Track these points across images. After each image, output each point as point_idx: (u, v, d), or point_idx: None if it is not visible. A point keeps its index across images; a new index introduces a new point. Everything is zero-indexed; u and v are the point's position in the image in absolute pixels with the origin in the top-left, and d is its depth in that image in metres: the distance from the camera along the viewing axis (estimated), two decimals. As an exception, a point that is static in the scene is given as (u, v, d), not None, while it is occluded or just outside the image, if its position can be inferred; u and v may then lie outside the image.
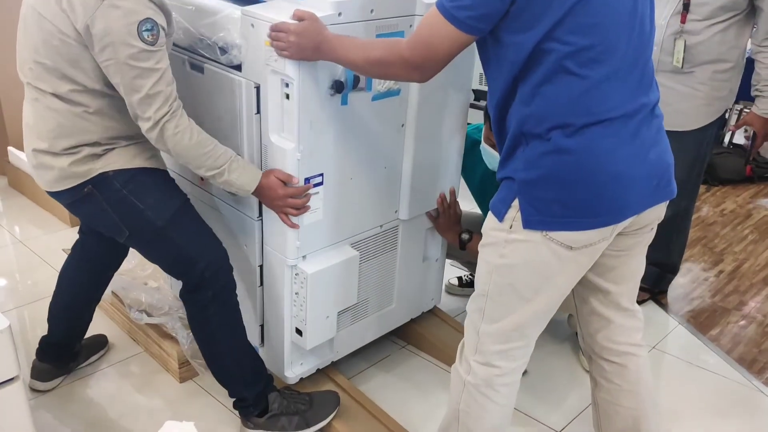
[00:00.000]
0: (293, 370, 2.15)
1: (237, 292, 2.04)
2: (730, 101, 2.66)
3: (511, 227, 1.52)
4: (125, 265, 2.36)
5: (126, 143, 1.83)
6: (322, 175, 1.91)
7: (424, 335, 2.52)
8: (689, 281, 3.22)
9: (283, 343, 2.10)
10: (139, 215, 1.83)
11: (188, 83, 2.02)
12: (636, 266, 1.72)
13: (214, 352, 2.01)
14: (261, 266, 2.08)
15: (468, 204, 2.60)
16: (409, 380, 2.41)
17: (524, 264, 1.53)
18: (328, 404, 2.10)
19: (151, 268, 2.54)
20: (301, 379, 2.19)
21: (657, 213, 1.61)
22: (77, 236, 2.22)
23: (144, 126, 1.71)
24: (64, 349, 2.27)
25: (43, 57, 1.71)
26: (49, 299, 2.23)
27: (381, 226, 2.17)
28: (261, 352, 2.19)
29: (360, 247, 2.12)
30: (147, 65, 1.64)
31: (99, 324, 2.36)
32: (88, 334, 2.33)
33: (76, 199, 1.85)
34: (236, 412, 2.10)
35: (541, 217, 1.48)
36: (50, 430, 2.10)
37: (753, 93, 2.59)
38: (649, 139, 1.50)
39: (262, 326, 2.18)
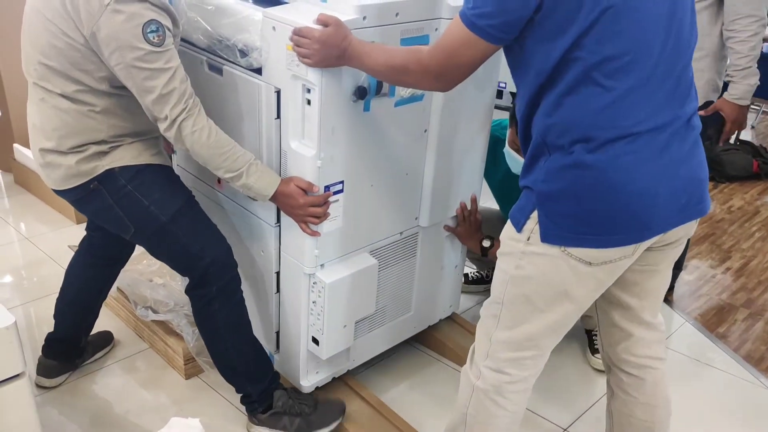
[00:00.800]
0: (309, 379, 2.12)
1: (252, 297, 2.02)
2: (710, 92, 2.57)
3: (528, 239, 1.48)
4: (131, 261, 2.36)
5: (131, 140, 1.83)
6: (342, 182, 1.87)
7: (444, 342, 2.48)
8: (696, 279, 3.21)
9: (298, 351, 2.07)
10: (144, 211, 1.83)
11: (206, 85, 1.99)
12: (661, 281, 1.67)
13: (219, 348, 2.01)
14: (278, 273, 2.05)
15: (485, 200, 2.57)
16: (427, 385, 2.38)
17: (540, 277, 1.49)
18: (333, 411, 2.07)
19: (157, 265, 2.54)
20: (317, 387, 2.16)
21: (687, 230, 1.55)
22: (84, 233, 2.22)
23: (162, 126, 1.71)
24: (70, 346, 2.27)
25: (48, 59, 1.71)
26: (56, 296, 2.23)
27: (401, 233, 2.13)
28: (276, 359, 2.18)
29: (379, 254, 2.08)
30: (156, 66, 1.64)
31: (104, 320, 2.36)
32: (93, 331, 2.33)
33: (82, 196, 1.85)
34: (243, 407, 2.10)
35: (560, 231, 1.43)
36: (56, 426, 2.11)
37: (724, 79, 2.55)
38: (681, 154, 1.44)
39: (277, 333, 2.16)
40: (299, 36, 1.65)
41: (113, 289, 2.34)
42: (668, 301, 2.98)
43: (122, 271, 2.31)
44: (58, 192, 1.88)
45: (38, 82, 1.76)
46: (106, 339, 2.44)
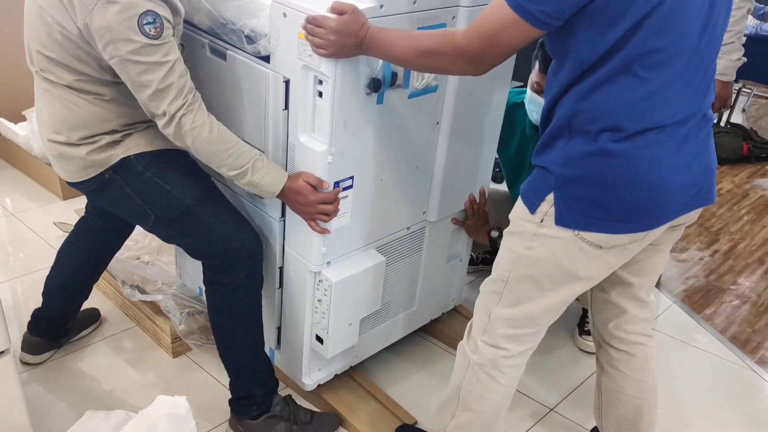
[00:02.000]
0: (311, 376, 2.07)
1: None
2: None
3: (542, 221, 1.47)
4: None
5: (144, 126, 1.76)
6: (352, 177, 1.79)
7: (451, 335, 2.44)
8: (684, 261, 3.22)
9: (301, 349, 2.01)
10: (166, 196, 1.77)
11: (208, 70, 1.89)
12: (661, 260, 1.70)
13: (235, 342, 1.93)
14: (281, 268, 1.98)
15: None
16: (436, 376, 2.36)
17: (551, 259, 1.50)
18: (328, 424, 2.04)
19: (146, 239, 2.51)
20: (319, 385, 2.11)
21: (694, 215, 1.59)
22: (72, 209, 2.19)
23: (160, 123, 1.62)
24: (57, 325, 2.25)
25: (48, 50, 1.65)
26: (41, 272, 2.22)
27: (408, 228, 2.07)
28: (277, 356, 2.14)
29: (385, 250, 2.02)
30: (153, 59, 1.55)
31: (91, 298, 2.34)
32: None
33: (97, 187, 1.78)
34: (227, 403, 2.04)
35: (576, 216, 1.44)
36: (42, 403, 2.10)
37: None
38: (696, 146, 1.46)
39: (279, 329, 2.10)
40: (313, 25, 1.55)
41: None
42: (656, 283, 2.99)
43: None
44: (72, 184, 1.82)
45: (41, 72, 1.71)
46: (93, 317, 2.42)
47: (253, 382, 1.96)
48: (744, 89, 5.33)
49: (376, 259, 1.97)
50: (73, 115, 1.70)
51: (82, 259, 2.17)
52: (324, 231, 1.79)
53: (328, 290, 1.87)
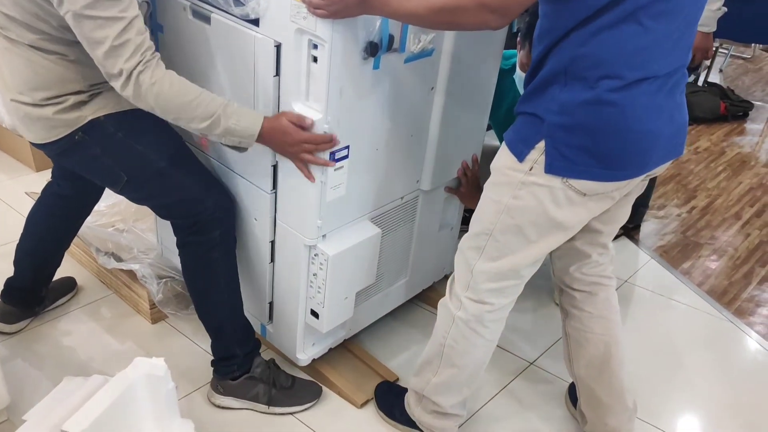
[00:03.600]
0: (306, 352, 2.04)
1: (243, 265, 1.94)
2: None
3: (531, 169, 1.46)
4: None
5: (111, 86, 1.70)
6: (347, 147, 1.71)
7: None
8: (662, 217, 3.24)
9: (295, 324, 1.98)
10: (138, 157, 1.72)
11: (189, 35, 1.79)
12: (627, 209, 1.72)
13: (214, 301, 1.91)
14: (272, 242, 1.93)
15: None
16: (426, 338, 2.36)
17: (537, 207, 1.49)
18: (309, 392, 2.02)
19: (123, 205, 2.47)
20: (313, 360, 2.08)
21: (666, 166, 1.61)
22: (44, 180, 2.15)
23: (117, 84, 1.53)
24: (30, 294, 2.22)
25: (5, 7, 1.59)
26: (15, 244, 2.18)
27: (402, 197, 2.03)
28: (268, 331, 2.12)
29: (379, 221, 1.97)
30: (108, 14, 1.47)
31: (67, 267, 2.31)
32: (56, 277, 2.28)
33: (66, 149, 1.73)
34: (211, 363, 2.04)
35: (567, 163, 1.43)
36: (18, 372, 2.07)
37: None
38: (678, 97, 1.48)
39: (270, 304, 2.06)
40: None
41: (74, 235, 2.28)
42: (634, 239, 3.02)
43: (82, 215, 2.25)
44: (39, 146, 1.76)
45: (1, 30, 1.64)
46: (69, 285, 2.39)
47: (234, 341, 1.95)
48: (721, 49, 5.35)
49: (372, 230, 1.92)
50: (36, 75, 1.65)
51: (52, 225, 2.13)
52: (310, 177, 1.70)
53: (324, 264, 1.82)
